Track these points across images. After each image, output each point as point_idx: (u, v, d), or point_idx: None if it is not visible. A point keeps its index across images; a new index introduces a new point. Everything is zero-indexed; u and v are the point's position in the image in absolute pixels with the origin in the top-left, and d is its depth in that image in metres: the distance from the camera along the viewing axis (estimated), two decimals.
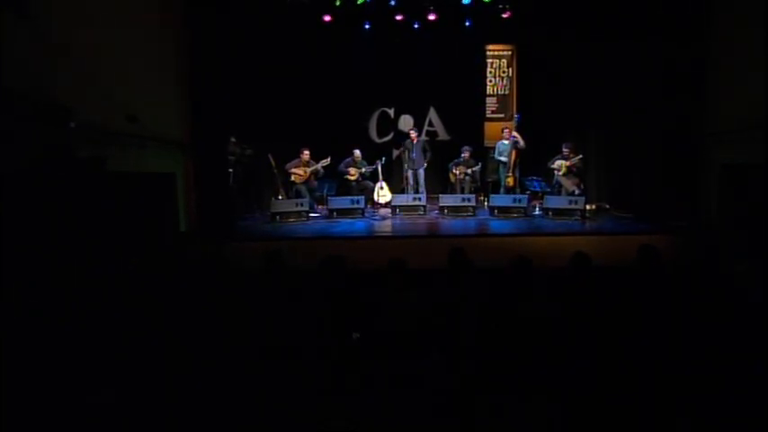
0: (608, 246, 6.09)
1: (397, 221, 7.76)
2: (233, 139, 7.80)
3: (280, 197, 8.48)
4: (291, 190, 8.55)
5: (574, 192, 8.07)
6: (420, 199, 8.32)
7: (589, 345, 3.33)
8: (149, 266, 5.36)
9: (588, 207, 7.70)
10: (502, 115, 10.30)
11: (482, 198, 8.99)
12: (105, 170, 4.53)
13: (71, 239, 3.96)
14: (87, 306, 3.83)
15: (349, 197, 8.32)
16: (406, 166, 9.17)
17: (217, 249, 6.17)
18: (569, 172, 8.15)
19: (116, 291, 4.23)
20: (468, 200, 8.11)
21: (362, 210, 8.06)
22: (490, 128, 10.26)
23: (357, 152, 8.92)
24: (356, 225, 7.44)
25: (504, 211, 7.87)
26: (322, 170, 8.57)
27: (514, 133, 8.66)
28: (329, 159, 8.52)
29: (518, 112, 9.15)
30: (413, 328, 3.60)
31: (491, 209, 7.98)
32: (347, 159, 8.94)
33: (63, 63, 4.62)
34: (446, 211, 8.04)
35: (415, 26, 9.52)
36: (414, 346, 3.39)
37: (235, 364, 3.10)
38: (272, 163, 8.42)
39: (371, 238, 6.61)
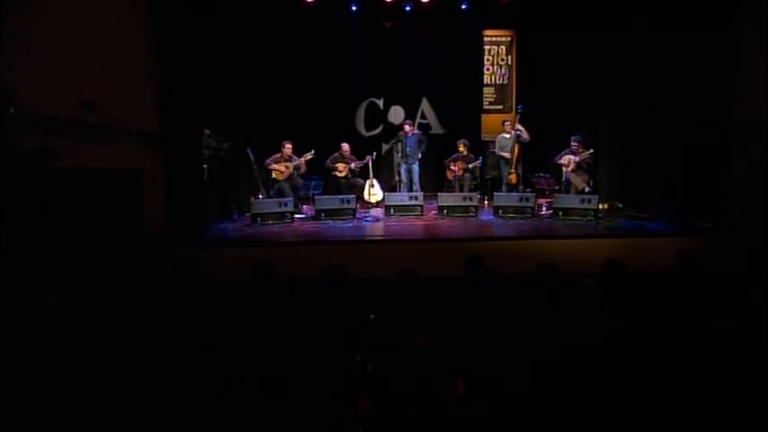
0: (633, 250, 5.73)
1: (394, 223, 7.21)
2: (207, 132, 7.16)
3: (260, 196, 7.88)
4: (273, 188, 7.93)
5: (584, 189, 7.65)
6: (417, 198, 7.77)
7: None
8: (112, 277, 4.79)
9: (600, 206, 7.27)
10: (500, 107, 9.89)
11: (478, 196, 8.48)
12: (56, 165, 3.86)
13: (10, 249, 3.31)
14: (37, 323, 3.26)
15: (338, 196, 7.72)
16: (398, 160, 8.68)
17: (191, 256, 5.60)
18: (578, 168, 7.73)
19: (68, 308, 3.72)
20: (470, 199, 7.59)
21: (353, 210, 7.48)
22: (487, 120, 9.87)
23: (345, 146, 8.34)
24: (348, 227, 6.87)
25: (509, 211, 7.38)
26: (305, 166, 7.96)
27: (518, 125, 8.20)
28: (313, 152, 7.93)
29: (520, 103, 8.69)
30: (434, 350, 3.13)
31: (495, 209, 7.48)
32: (334, 154, 8.37)
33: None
34: (446, 211, 7.52)
35: (407, 9, 9.19)
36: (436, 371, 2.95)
37: (214, 394, 2.69)
38: (252, 158, 7.81)
39: (369, 242, 6.05)
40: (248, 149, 7.80)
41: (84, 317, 3.64)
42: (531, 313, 3.69)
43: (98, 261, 4.87)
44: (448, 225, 6.95)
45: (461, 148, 8.47)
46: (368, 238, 6.25)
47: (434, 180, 9.21)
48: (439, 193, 7.87)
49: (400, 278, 4.07)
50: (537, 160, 8.70)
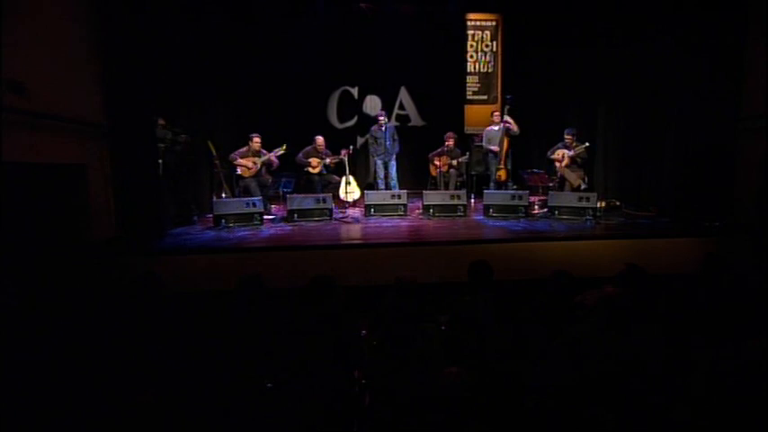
0: (641, 251, 5.47)
1: (376, 224, 6.73)
2: (162, 122, 6.58)
3: (224, 195, 7.29)
4: (238, 186, 7.35)
5: (579, 186, 7.36)
6: (400, 197, 7.31)
7: None
8: (50, 289, 4.23)
9: (597, 204, 6.99)
10: (485, 97, 9.58)
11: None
12: None
13: None
14: None
15: (313, 195, 7.20)
16: (373, 156, 8.23)
17: (145, 265, 5.04)
18: (573, 163, 7.43)
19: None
20: (458, 197, 7.19)
21: (330, 210, 6.97)
22: (471, 111, 9.54)
23: (320, 139, 7.80)
24: (327, 230, 6.36)
25: (501, 210, 7.01)
26: (277, 161, 7.39)
27: (506, 117, 7.85)
28: (285, 147, 7.37)
29: (507, 93, 8.36)
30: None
31: (486, 208, 7.10)
32: (307, 148, 7.82)
33: None
34: (432, 210, 7.10)
35: None
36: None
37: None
38: (213, 152, 7.25)
39: (353, 246, 5.55)
40: (209, 142, 7.26)
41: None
42: (550, 326, 3.38)
43: (33, 274, 4.28)
44: (437, 226, 6.51)
45: (450, 142, 8.06)
46: (351, 242, 5.76)
47: (415, 177, 8.81)
48: (424, 192, 7.43)
49: (398, 288, 3.70)
50: (527, 155, 8.39)
